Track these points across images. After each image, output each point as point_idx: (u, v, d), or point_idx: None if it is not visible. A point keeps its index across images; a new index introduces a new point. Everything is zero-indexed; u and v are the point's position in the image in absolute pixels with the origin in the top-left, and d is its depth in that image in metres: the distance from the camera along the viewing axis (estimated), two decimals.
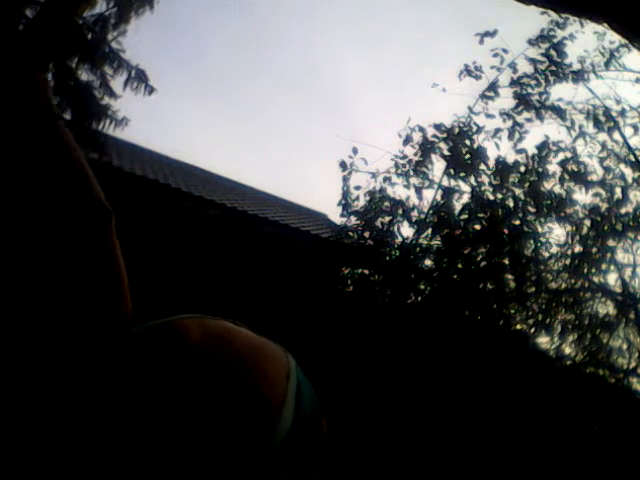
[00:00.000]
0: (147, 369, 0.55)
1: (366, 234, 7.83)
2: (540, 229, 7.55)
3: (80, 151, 0.73)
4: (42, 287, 0.68)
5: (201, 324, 0.61)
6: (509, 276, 7.31)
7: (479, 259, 7.28)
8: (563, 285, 7.60)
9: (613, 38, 7.86)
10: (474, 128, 7.81)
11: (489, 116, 7.89)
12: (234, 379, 0.55)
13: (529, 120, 7.89)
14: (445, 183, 7.78)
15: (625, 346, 7.42)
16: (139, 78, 7.51)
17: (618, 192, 7.59)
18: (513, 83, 7.97)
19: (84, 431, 0.53)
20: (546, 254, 7.59)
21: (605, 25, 3.34)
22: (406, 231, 8.89)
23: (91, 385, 0.56)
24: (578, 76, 8.03)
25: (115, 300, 0.69)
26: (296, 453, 0.57)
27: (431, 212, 7.70)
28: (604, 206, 7.57)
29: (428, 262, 7.64)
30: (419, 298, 7.33)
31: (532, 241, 7.49)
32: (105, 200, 0.73)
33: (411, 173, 7.86)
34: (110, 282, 0.69)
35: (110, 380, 0.55)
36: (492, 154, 7.74)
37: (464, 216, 7.45)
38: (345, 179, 8.05)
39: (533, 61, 7.99)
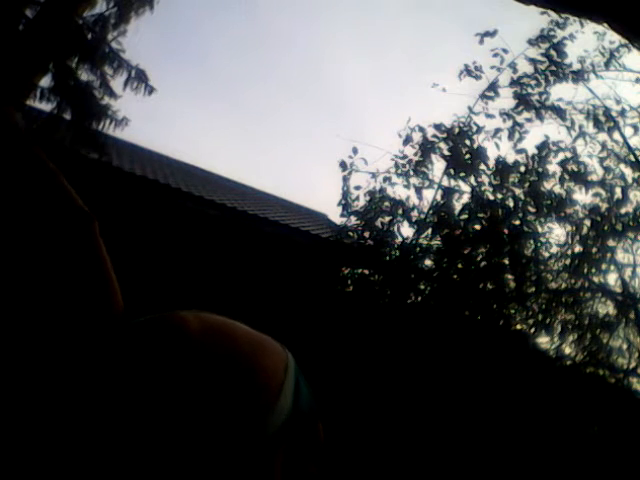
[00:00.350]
0: (146, 358, 0.56)
1: (366, 234, 7.82)
2: (540, 229, 7.56)
3: (54, 165, 0.78)
4: (31, 292, 0.71)
5: (199, 317, 0.61)
6: (509, 276, 7.30)
7: (479, 259, 7.28)
8: (563, 285, 7.60)
9: (613, 38, 7.87)
10: (474, 128, 7.81)
11: (489, 116, 7.90)
12: (232, 368, 0.56)
13: (529, 120, 7.91)
14: (445, 183, 7.79)
15: (625, 346, 7.42)
16: (139, 78, 7.50)
17: (618, 192, 7.60)
18: (513, 83, 7.97)
19: (85, 422, 0.53)
20: (546, 254, 7.59)
21: (605, 25, 3.34)
22: (406, 231, 8.89)
23: (89, 378, 0.57)
24: (578, 76, 8.03)
25: (103, 299, 0.70)
26: (294, 446, 0.58)
27: (431, 212, 7.70)
28: (604, 206, 7.58)
29: (428, 262, 7.64)
30: (419, 298, 7.33)
31: (532, 241, 7.49)
32: (84, 206, 0.77)
33: (411, 173, 7.86)
34: (97, 283, 0.71)
35: (109, 370, 0.56)
36: (492, 154, 7.75)
37: (464, 216, 7.45)
38: (345, 179, 8.05)
39: (533, 61, 7.99)
